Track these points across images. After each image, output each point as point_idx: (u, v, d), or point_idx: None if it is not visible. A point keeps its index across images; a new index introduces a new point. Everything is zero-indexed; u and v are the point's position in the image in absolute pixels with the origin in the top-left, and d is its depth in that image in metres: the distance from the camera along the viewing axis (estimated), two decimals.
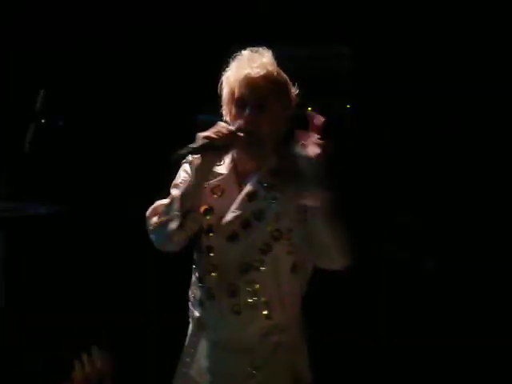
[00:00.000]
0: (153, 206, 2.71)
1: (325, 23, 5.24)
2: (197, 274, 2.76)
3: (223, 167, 2.72)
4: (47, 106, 4.51)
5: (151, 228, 2.68)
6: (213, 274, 2.71)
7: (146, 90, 5.22)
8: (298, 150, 2.59)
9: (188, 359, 2.80)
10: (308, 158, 2.54)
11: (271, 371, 2.74)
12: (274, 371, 2.75)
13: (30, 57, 4.93)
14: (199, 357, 2.78)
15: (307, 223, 2.61)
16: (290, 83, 2.71)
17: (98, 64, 5.11)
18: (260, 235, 2.69)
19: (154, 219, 2.67)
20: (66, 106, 5.04)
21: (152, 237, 2.70)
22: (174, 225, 2.61)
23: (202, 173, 2.63)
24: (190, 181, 2.64)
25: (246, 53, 2.71)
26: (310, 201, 2.56)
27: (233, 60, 2.71)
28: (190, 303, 2.82)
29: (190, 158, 2.71)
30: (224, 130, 2.61)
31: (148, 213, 2.71)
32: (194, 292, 2.78)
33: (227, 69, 2.71)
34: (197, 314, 2.77)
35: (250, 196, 2.69)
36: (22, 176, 4.85)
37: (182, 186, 2.67)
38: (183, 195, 2.62)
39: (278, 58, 2.71)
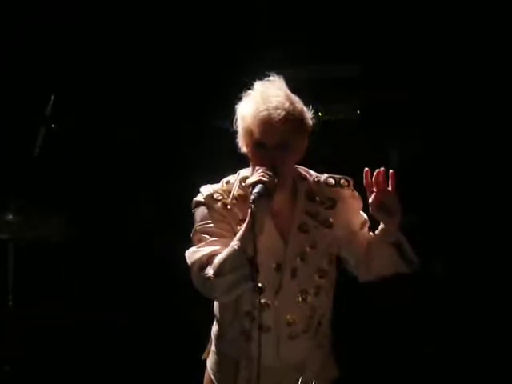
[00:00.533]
0: (196, 257, 2.67)
1: None
2: (237, 310, 2.76)
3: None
4: (57, 110, 4.48)
5: (209, 283, 2.63)
6: (268, 309, 2.73)
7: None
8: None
9: None
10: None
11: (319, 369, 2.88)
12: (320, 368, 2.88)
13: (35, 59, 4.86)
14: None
15: (371, 249, 2.79)
16: (306, 110, 2.73)
17: (105, 66, 5.07)
18: (317, 263, 2.78)
19: (209, 272, 2.62)
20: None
21: (208, 290, 2.67)
22: (246, 282, 2.60)
23: (260, 219, 2.60)
24: (245, 230, 2.60)
25: (259, 89, 2.71)
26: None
27: (246, 95, 2.71)
28: (219, 338, 2.86)
29: (201, 198, 2.75)
30: (269, 173, 2.62)
31: (193, 263, 2.68)
32: (233, 327, 2.80)
33: (241, 103, 2.70)
34: (237, 347, 2.79)
35: (302, 229, 2.76)
36: (31, 186, 4.76)
37: (221, 232, 2.68)
38: (243, 247, 2.59)
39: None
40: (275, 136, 2.63)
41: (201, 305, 2.96)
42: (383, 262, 2.80)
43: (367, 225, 2.86)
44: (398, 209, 2.69)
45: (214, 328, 2.91)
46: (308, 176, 2.82)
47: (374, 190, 2.69)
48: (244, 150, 2.72)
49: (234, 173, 2.84)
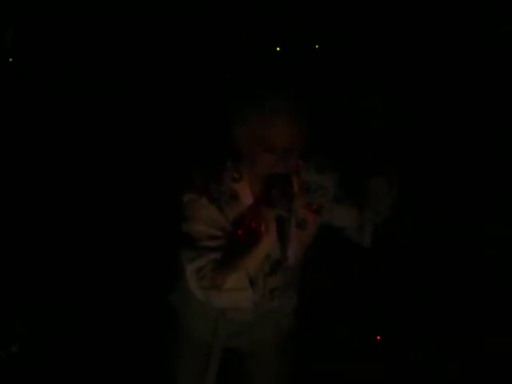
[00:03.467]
0: (193, 260, 2.62)
1: None
2: None
3: (247, 197, 2.69)
4: (15, 43, 4.34)
5: (206, 293, 2.61)
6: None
7: None
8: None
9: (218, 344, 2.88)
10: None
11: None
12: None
13: None
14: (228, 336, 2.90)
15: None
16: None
17: None
18: (307, 244, 2.81)
19: (208, 282, 2.59)
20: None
21: (204, 297, 2.65)
22: (247, 302, 2.61)
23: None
24: (253, 252, 2.56)
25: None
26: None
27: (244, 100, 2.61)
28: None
29: (195, 197, 2.66)
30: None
31: (189, 266, 2.62)
32: None
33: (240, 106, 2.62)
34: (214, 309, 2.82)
35: (301, 225, 2.76)
36: None
37: (217, 233, 2.62)
38: (247, 269, 2.58)
39: None
40: (286, 140, 2.55)
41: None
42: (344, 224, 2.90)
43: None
44: (387, 213, 2.75)
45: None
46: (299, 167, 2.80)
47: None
48: (248, 153, 2.63)
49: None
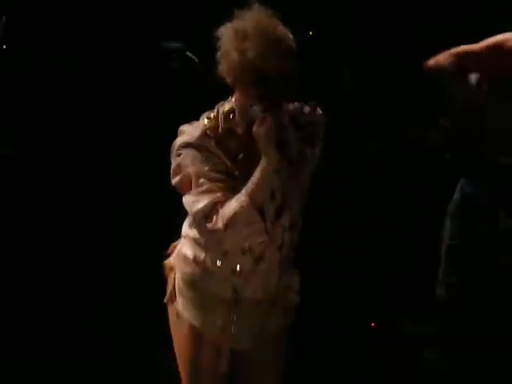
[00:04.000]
0: (198, 206, 2.61)
1: None
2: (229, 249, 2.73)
3: (240, 128, 2.67)
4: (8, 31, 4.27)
5: (218, 235, 2.63)
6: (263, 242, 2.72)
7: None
8: None
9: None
10: None
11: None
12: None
13: None
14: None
15: None
16: None
17: None
18: (303, 186, 2.78)
19: (217, 224, 2.60)
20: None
21: (216, 241, 2.67)
22: (260, 235, 2.65)
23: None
24: (256, 185, 2.59)
25: (251, 20, 2.60)
26: None
27: (230, 28, 2.60)
28: (204, 278, 2.77)
29: (190, 139, 2.64)
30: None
31: (195, 213, 2.63)
32: (222, 266, 2.74)
33: (228, 37, 2.60)
34: (227, 286, 2.75)
35: (301, 158, 2.73)
36: None
37: (218, 175, 2.61)
38: (255, 202, 2.59)
39: None
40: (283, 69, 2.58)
41: None
42: None
43: None
44: None
45: (193, 268, 2.80)
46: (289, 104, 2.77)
47: None
48: (237, 86, 2.63)
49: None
